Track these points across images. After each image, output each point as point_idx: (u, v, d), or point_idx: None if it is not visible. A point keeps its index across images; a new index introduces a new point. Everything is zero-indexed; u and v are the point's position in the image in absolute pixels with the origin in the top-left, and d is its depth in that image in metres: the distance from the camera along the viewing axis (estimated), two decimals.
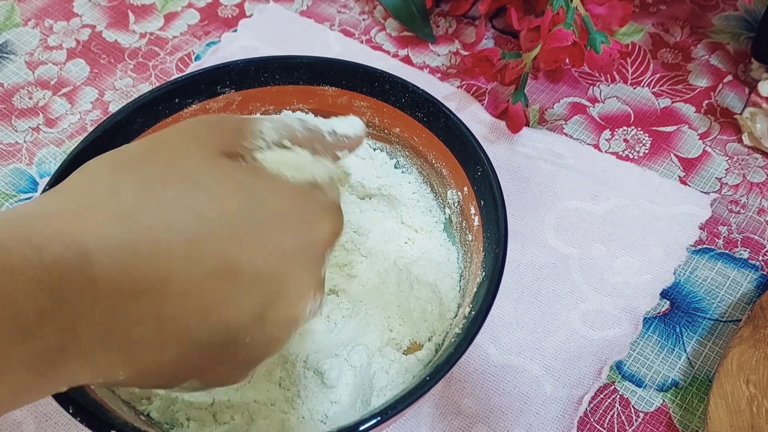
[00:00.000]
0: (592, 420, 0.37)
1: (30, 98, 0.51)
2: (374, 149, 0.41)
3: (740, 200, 0.45)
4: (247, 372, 0.27)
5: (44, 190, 0.35)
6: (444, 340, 0.35)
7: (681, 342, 0.39)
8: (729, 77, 0.51)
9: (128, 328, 0.23)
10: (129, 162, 0.25)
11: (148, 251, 0.23)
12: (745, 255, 0.42)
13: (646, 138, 0.48)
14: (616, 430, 0.36)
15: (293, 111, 0.41)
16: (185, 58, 0.53)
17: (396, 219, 0.40)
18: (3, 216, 0.22)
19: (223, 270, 0.24)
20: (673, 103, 0.50)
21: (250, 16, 0.55)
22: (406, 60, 0.53)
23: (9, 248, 0.20)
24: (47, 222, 0.22)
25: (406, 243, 0.39)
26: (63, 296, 0.21)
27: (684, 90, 0.50)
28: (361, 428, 0.28)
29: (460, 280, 0.38)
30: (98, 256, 0.22)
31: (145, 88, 0.51)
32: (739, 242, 0.43)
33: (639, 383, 0.38)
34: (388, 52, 0.53)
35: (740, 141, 0.47)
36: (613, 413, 0.37)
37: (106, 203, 0.23)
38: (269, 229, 0.26)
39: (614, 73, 0.52)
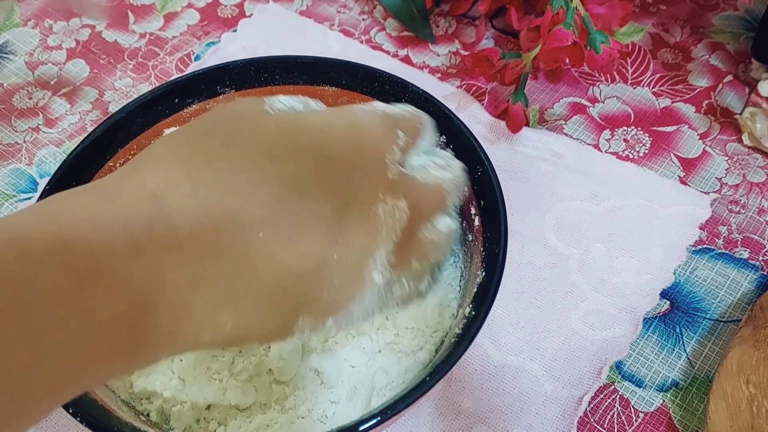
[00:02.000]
0: (592, 420, 0.37)
1: (30, 98, 0.51)
2: None
3: (740, 200, 0.45)
4: (352, 295, 0.27)
5: (44, 191, 0.35)
6: (444, 340, 0.35)
7: (681, 342, 0.39)
8: (729, 77, 0.51)
9: (216, 265, 0.23)
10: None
11: (215, 188, 0.24)
12: (745, 255, 0.42)
13: (646, 138, 0.48)
14: (615, 430, 0.36)
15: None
16: (185, 58, 0.53)
17: None
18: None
19: (290, 191, 0.25)
20: (673, 103, 0.50)
21: (249, 16, 0.55)
22: (406, 60, 0.53)
23: (85, 203, 0.22)
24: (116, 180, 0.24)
25: None
26: (142, 244, 0.22)
27: (684, 90, 0.50)
28: (361, 428, 0.28)
29: (460, 280, 0.38)
30: (173, 199, 0.23)
31: (145, 88, 0.51)
32: (739, 242, 0.43)
33: (639, 383, 0.38)
34: (388, 52, 0.53)
35: (740, 141, 0.47)
36: (613, 413, 0.37)
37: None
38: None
39: (614, 73, 0.52)
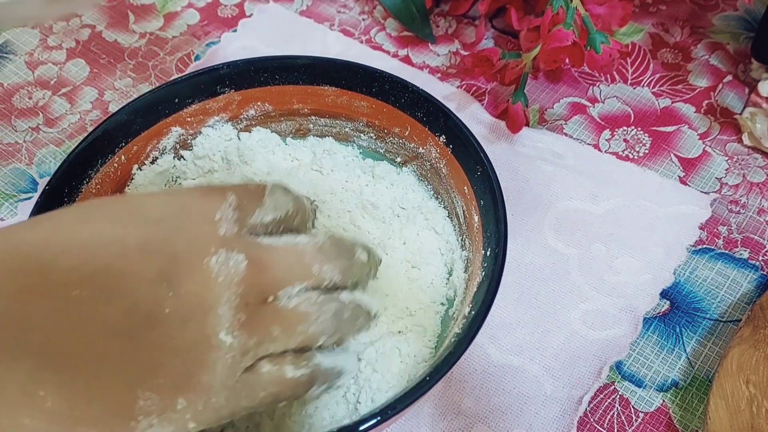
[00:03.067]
0: (591, 420, 0.37)
1: (30, 98, 0.51)
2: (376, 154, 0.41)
3: (740, 200, 0.45)
4: (199, 360, 0.24)
5: (44, 190, 0.35)
6: (444, 340, 0.35)
7: (681, 342, 0.39)
8: (729, 77, 0.51)
9: (25, 330, 0.21)
10: None
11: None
12: (745, 255, 0.42)
13: (646, 138, 0.48)
14: (615, 430, 0.36)
15: (293, 111, 0.41)
16: (185, 58, 0.53)
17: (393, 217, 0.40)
18: None
19: (112, 245, 0.24)
20: (673, 103, 0.50)
21: (249, 16, 0.55)
22: (406, 60, 0.53)
23: None
24: None
25: (404, 243, 0.39)
26: None
27: (684, 90, 0.50)
28: (361, 428, 0.28)
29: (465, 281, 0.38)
30: None
31: (145, 88, 0.51)
32: (739, 242, 0.43)
33: (639, 383, 0.38)
34: (387, 52, 0.53)
35: (740, 141, 0.47)
36: (613, 413, 0.37)
37: None
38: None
39: (614, 73, 0.52)
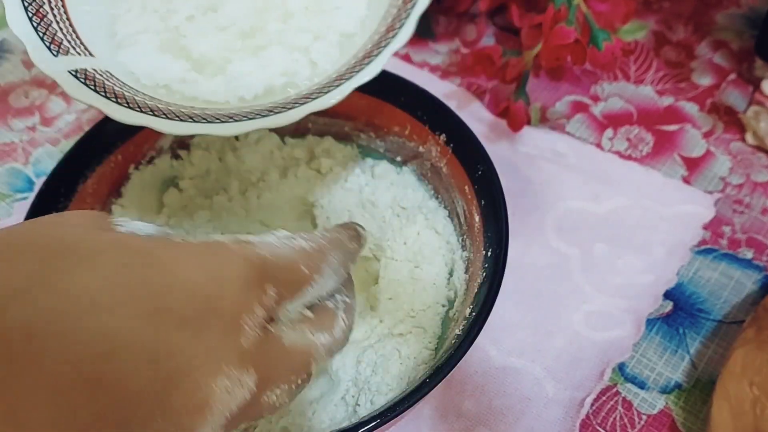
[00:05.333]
0: (594, 422, 0.36)
1: (26, 97, 0.50)
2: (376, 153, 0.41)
3: (744, 200, 0.44)
4: None
5: (40, 190, 0.34)
6: (444, 341, 0.35)
7: (684, 343, 0.39)
8: (733, 75, 0.51)
9: None
10: None
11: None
12: (749, 255, 0.42)
13: (649, 137, 0.47)
14: None
15: None
16: None
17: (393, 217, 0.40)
18: None
19: (100, 339, 0.19)
20: (676, 101, 0.49)
21: None
22: (406, 58, 0.52)
23: None
24: None
25: (405, 243, 0.39)
26: None
27: (687, 88, 0.50)
28: (361, 430, 0.27)
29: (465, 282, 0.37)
30: None
31: None
32: (743, 242, 0.42)
33: (642, 385, 0.37)
34: None
35: (744, 140, 0.47)
36: (616, 415, 0.36)
37: None
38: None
39: (617, 71, 0.51)
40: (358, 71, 0.30)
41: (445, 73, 0.51)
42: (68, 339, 0.19)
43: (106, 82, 0.30)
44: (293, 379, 0.25)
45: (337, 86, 0.30)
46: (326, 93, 0.30)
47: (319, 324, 0.26)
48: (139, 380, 0.20)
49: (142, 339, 0.20)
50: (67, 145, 0.47)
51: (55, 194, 0.35)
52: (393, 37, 0.30)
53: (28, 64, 0.52)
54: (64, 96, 0.50)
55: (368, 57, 0.31)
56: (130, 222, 0.24)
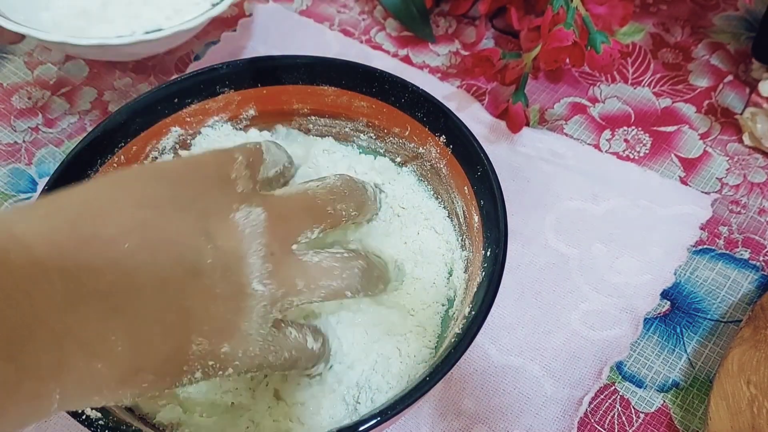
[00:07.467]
0: (592, 421, 0.36)
1: (29, 98, 0.51)
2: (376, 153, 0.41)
3: (741, 200, 0.45)
4: (238, 308, 0.26)
5: (43, 190, 0.35)
6: (444, 340, 0.35)
7: (681, 343, 0.39)
8: (730, 77, 0.51)
9: (90, 279, 0.22)
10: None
11: (67, 212, 0.24)
12: (746, 255, 0.42)
13: (647, 138, 0.48)
14: (616, 430, 0.36)
15: (293, 111, 0.41)
16: (184, 58, 0.53)
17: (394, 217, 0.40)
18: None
19: (147, 208, 0.25)
20: (673, 103, 0.50)
21: (249, 16, 0.55)
22: (406, 60, 0.52)
23: None
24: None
25: (405, 243, 0.39)
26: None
27: (684, 90, 0.50)
28: (361, 428, 0.28)
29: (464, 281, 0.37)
30: (22, 227, 0.22)
31: (144, 88, 0.51)
32: (739, 242, 0.43)
33: (639, 384, 0.38)
34: (387, 52, 0.53)
35: (741, 141, 0.47)
36: (614, 414, 0.37)
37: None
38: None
39: (614, 73, 0.51)
40: None
41: (444, 75, 0.52)
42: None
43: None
44: (314, 218, 0.30)
45: None
46: None
47: (304, 182, 0.33)
48: (182, 225, 0.26)
49: (161, 199, 0.26)
50: (69, 145, 0.48)
51: None
52: None
53: (31, 65, 0.52)
54: (67, 97, 0.51)
55: None
56: None
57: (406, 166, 0.41)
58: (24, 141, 0.48)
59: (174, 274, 0.24)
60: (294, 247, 0.29)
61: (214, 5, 0.46)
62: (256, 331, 0.27)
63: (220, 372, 0.26)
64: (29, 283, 0.20)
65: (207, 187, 0.28)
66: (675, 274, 0.41)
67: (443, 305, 0.37)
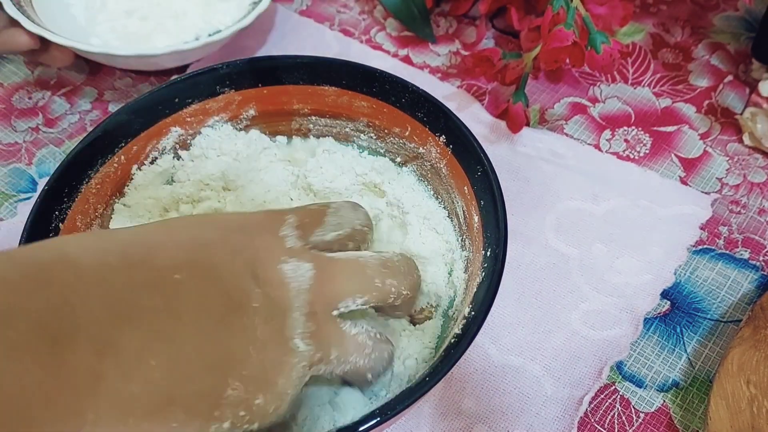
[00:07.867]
0: (592, 420, 0.36)
1: (29, 98, 0.51)
2: (376, 153, 0.41)
3: (741, 200, 0.45)
4: (278, 362, 0.25)
5: (43, 190, 0.35)
6: (444, 340, 0.35)
7: (681, 342, 0.39)
8: (729, 77, 0.51)
9: (139, 298, 0.22)
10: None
11: (119, 237, 0.25)
12: (746, 255, 0.42)
13: (647, 138, 0.48)
14: (616, 430, 0.36)
15: (293, 111, 0.41)
16: None
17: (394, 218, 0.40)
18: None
19: (199, 246, 0.26)
20: (673, 103, 0.50)
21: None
22: (406, 60, 0.52)
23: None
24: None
25: (405, 243, 0.39)
26: (41, 277, 0.21)
27: (684, 90, 0.50)
28: (361, 428, 0.28)
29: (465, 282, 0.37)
30: (73, 246, 0.23)
31: (145, 88, 0.51)
32: (739, 242, 0.43)
33: (639, 383, 0.38)
34: (388, 52, 0.53)
35: (741, 141, 0.47)
36: (614, 413, 0.37)
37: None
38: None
39: (615, 73, 0.51)
40: None
41: (445, 75, 0.52)
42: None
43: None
44: (360, 287, 0.29)
45: None
46: None
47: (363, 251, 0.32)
48: (231, 265, 0.26)
49: (216, 241, 0.27)
50: (70, 145, 0.48)
51: (59, 194, 0.35)
52: None
53: (32, 65, 0.52)
54: (68, 97, 0.51)
55: None
56: None
57: (407, 166, 0.41)
58: (24, 141, 0.48)
59: (220, 310, 0.24)
60: (334, 313, 0.28)
61: (254, 4, 0.49)
62: (291, 391, 0.26)
63: (247, 425, 0.25)
64: (73, 296, 0.21)
65: (256, 237, 0.28)
66: (675, 274, 0.41)
67: (443, 305, 0.37)
